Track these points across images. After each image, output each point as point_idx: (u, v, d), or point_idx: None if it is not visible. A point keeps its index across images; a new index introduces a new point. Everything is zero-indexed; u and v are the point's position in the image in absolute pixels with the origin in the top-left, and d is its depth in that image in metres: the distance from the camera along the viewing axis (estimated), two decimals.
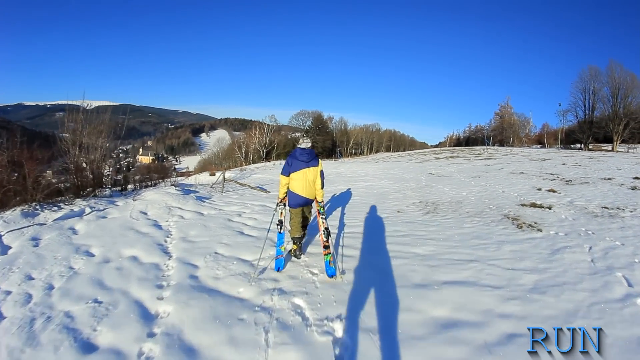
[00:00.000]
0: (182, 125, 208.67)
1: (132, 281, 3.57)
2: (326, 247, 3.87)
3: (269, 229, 4.33)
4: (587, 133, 34.00)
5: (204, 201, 7.77)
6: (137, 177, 12.70)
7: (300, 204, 4.18)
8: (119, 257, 4.19)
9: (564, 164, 15.85)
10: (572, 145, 38.24)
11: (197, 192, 9.36)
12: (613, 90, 32.48)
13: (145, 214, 6.33)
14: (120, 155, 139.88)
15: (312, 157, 4.17)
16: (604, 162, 16.13)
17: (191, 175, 32.78)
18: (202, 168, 48.30)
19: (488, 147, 44.90)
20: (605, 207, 7.10)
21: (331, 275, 3.56)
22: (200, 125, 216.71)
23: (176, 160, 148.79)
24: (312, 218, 4.59)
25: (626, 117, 31.31)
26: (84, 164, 7.97)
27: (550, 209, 6.98)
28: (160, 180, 11.42)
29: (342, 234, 5.10)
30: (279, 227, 4.19)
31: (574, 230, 5.50)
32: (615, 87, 32.20)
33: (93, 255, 4.26)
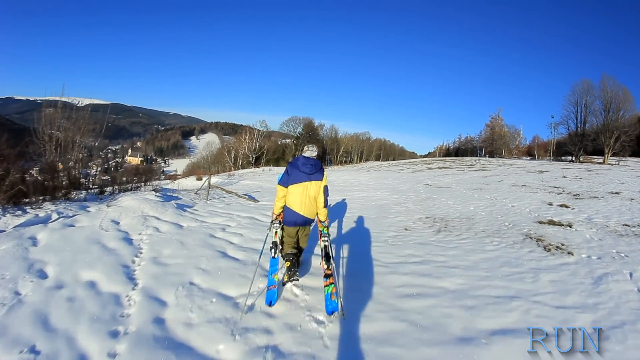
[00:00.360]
0: (172, 127, 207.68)
1: (82, 320, 2.79)
2: (327, 276, 3.20)
3: (261, 252, 3.53)
4: (579, 145, 34.39)
5: (185, 210, 6.91)
6: (120, 179, 11.53)
7: (297, 223, 3.50)
8: (75, 281, 3.40)
9: (564, 177, 15.55)
10: (562, 157, 38.62)
11: (180, 198, 8.47)
12: (605, 103, 33.06)
13: (117, 223, 5.48)
14: (109, 155, 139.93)
15: (316, 169, 3.50)
16: (604, 175, 15.92)
17: (179, 178, 32.18)
18: (190, 172, 47.79)
19: (480, 158, 45.06)
20: (626, 225, 6.68)
21: (331, 312, 2.88)
22: (191, 128, 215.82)
23: (165, 163, 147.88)
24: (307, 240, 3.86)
25: (617, 130, 31.79)
26: (60, 163, 7.19)
27: (571, 227, 6.44)
28: (142, 184, 10.40)
29: (342, 258, 4.33)
30: (272, 250, 3.43)
31: (605, 252, 5.02)
32: (608, 100, 32.79)
33: (46, 277, 3.45)
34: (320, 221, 3.66)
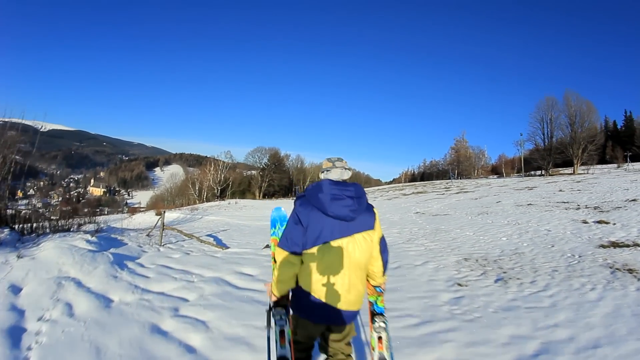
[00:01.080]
0: (136, 158, 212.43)
1: None
2: None
3: None
4: (548, 159, 36.35)
5: (124, 266, 4.92)
6: (56, 214, 8.92)
7: (329, 321, 1.78)
8: None
9: (561, 190, 15.38)
10: (532, 172, 40.43)
11: (124, 244, 6.53)
12: (570, 117, 35.85)
13: (18, 291, 3.64)
14: (71, 184, 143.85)
15: (361, 206, 1.76)
16: (600, 184, 16.07)
17: (141, 210, 31.06)
18: (153, 204, 46.95)
19: (453, 180, 46.02)
20: None
21: None
22: (155, 159, 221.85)
23: (128, 195, 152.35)
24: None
25: (584, 141, 34.16)
26: None
27: (639, 246, 5.54)
28: (86, 221, 8.14)
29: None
30: None
31: None
32: (572, 114, 35.71)
33: None
34: (374, 287, 2.00)
